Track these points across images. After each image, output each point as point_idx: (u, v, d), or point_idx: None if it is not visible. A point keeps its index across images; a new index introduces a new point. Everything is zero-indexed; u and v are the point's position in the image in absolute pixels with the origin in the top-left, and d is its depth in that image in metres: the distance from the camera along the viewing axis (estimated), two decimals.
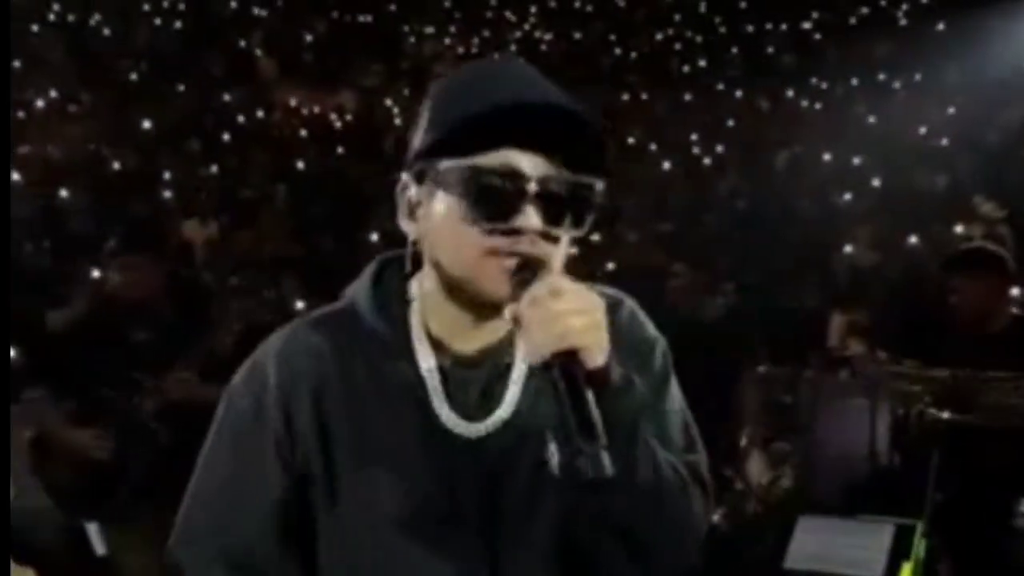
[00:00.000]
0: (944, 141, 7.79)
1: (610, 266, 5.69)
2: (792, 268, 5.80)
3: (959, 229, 5.77)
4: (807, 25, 11.10)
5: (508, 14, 11.38)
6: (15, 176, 6.40)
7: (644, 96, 9.73)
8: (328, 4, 11.13)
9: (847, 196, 7.06)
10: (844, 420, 3.83)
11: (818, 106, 9.26)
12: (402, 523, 1.02)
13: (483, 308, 1.02)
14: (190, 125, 8.23)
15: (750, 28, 10.99)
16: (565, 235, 1.01)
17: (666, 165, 8.11)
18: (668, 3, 11.54)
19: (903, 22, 10.79)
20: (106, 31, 9.75)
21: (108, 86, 8.68)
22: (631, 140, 8.73)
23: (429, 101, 1.05)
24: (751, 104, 9.31)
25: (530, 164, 0.99)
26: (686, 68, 10.45)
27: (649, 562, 1.03)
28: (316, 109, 9.29)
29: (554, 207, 0.99)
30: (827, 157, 7.91)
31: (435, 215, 1.00)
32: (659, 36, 11.06)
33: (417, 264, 1.07)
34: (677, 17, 11.38)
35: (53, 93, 8.19)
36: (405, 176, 1.04)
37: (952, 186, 6.91)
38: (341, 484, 1.03)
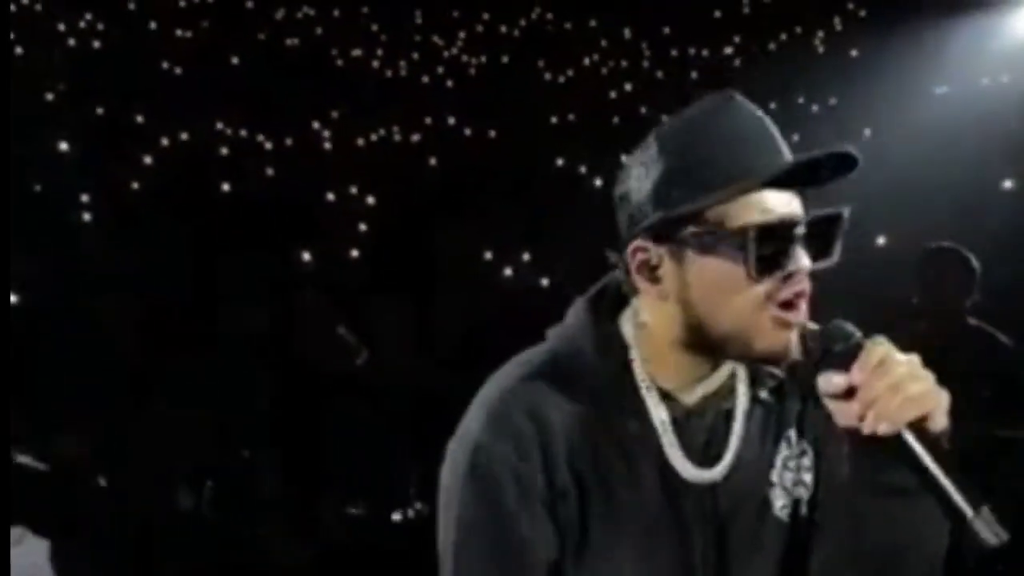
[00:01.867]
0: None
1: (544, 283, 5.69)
2: None
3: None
4: (729, 50, 11.41)
5: (436, 38, 11.41)
6: None
7: (572, 118, 9.84)
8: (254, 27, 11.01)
9: None
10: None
11: None
12: None
13: (722, 358, 1.05)
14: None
15: (674, 52, 11.25)
16: (820, 268, 1.03)
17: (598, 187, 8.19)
18: (595, 28, 11.72)
19: (820, 49, 11.22)
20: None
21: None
22: (559, 163, 8.80)
23: (663, 155, 1.04)
24: None
25: (788, 205, 1.01)
26: (613, 93, 10.61)
27: None
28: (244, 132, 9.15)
29: (815, 243, 1.01)
30: None
31: (703, 274, 1.00)
32: (586, 61, 11.22)
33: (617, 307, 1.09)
34: (604, 43, 11.57)
35: None
36: (640, 240, 1.03)
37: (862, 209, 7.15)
38: (590, 541, 1.03)
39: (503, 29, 11.72)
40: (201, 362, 4.22)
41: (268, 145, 9.11)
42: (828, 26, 11.15)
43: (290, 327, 3.83)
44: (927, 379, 0.92)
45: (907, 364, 0.92)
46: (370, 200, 7.72)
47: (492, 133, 9.57)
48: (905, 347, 0.94)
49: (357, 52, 10.94)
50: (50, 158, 7.62)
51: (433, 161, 8.84)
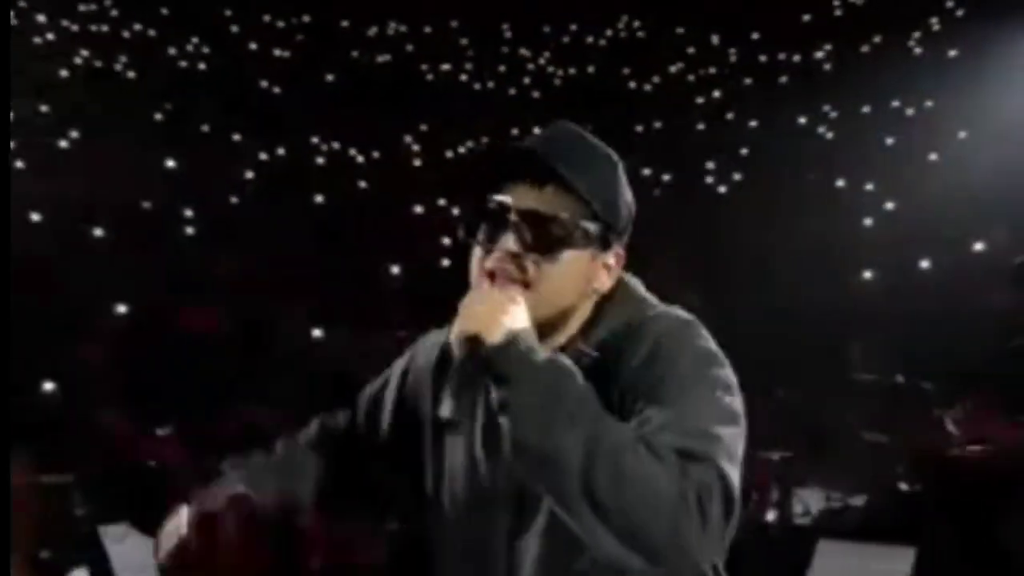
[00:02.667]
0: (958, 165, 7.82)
1: None
2: (813, 292, 5.85)
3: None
4: (819, 54, 11.19)
5: (523, 50, 11.56)
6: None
7: (657, 126, 9.83)
8: (347, 45, 11.37)
9: (866, 221, 7.15)
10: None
11: (831, 134, 9.33)
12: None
13: None
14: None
15: (763, 58, 11.10)
16: (532, 259, 1.24)
17: (679, 195, 8.18)
18: (682, 36, 11.67)
19: (916, 50, 10.88)
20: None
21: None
22: (646, 172, 8.81)
23: None
24: (765, 133, 9.38)
25: (515, 198, 1.25)
26: (700, 100, 10.55)
27: (634, 546, 1.09)
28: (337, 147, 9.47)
29: (526, 234, 1.24)
30: (840, 183, 7.97)
31: None
32: (673, 69, 11.18)
33: None
34: (691, 50, 11.51)
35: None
36: None
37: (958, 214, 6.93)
38: None
39: (590, 39, 11.79)
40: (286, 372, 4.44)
41: (360, 159, 9.41)
42: (925, 26, 10.82)
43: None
44: (487, 304, 1.19)
45: (477, 295, 1.22)
46: (457, 211, 7.90)
47: None
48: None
49: (446, 66, 11.18)
50: (158, 174, 8.07)
51: None
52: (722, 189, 8.56)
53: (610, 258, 1.31)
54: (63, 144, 8.14)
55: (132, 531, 4.09)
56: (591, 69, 11.10)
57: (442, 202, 8.21)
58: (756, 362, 5.05)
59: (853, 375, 5.12)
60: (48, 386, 4.44)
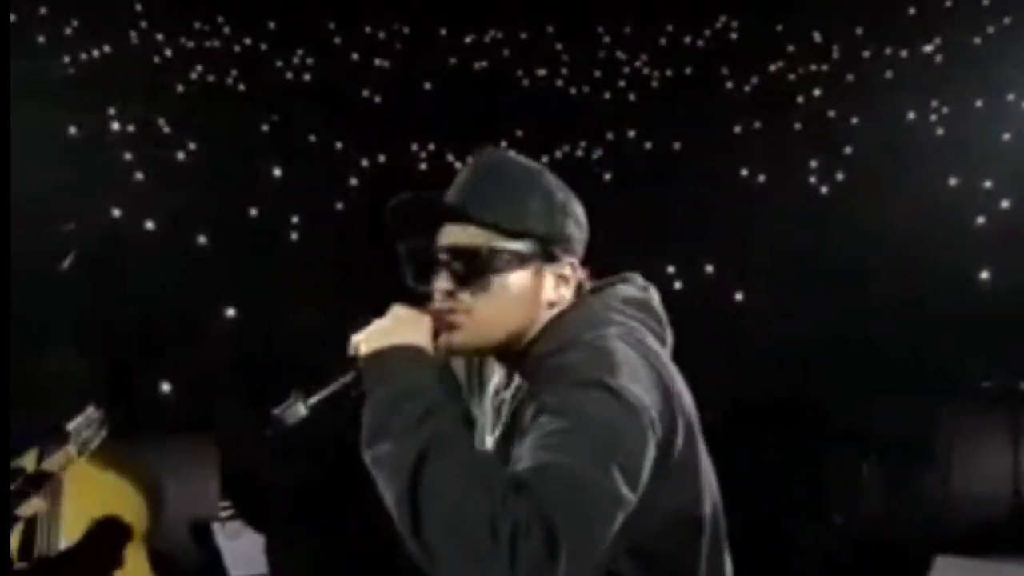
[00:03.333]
0: None
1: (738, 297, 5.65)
2: (926, 293, 5.66)
3: None
4: (928, 48, 10.78)
5: (619, 53, 11.53)
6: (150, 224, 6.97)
7: (756, 126, 9.65)
8: (445, 53, 11.57)
9: (979, 220, 6.87)
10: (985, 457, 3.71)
11: (941, 130, 8.97)
12: None
13: None
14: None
15: (866, 54, 10.76)
16: (468, 292, 1.30)
17: (779, 195, 8.02)
18: (782, 33, 11.42)
19: None
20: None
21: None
22: (743, 172, 8.67)
23: None
24: (868, 132, 9.10)
25: (447, 235, 1.33)
26: (800, 99, 10.30)
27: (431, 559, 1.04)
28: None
29: (456, 269, 1.31)
30: (953, 181, 7.66)
31: None
32: (772, 68, 10.96)
33: None
34: (791, 47, 11.26)
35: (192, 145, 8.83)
36: None
37: None
38: None
39: (687, 40, 11.66)
40: None
41: (457, 164, 9.57)
42: None
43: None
44: (381, 323, 1.26)
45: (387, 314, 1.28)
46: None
47: (676, 145, 9.56)
48: None
49: (542, 71, 11.25)
50: (265, 183, 8.40)
51: (608, 176, 8.96)
52: (824, 189, 8.34)
53: (564, 269, 1.34)
54: (180, 156, 8.56)
55: (245, 528, 4.30)
56: (688, 70, 10.98)
57: None
58: (869, 363, 4.97)
59: (971, 381, 4.93)
60: (165, 387, 4.69)
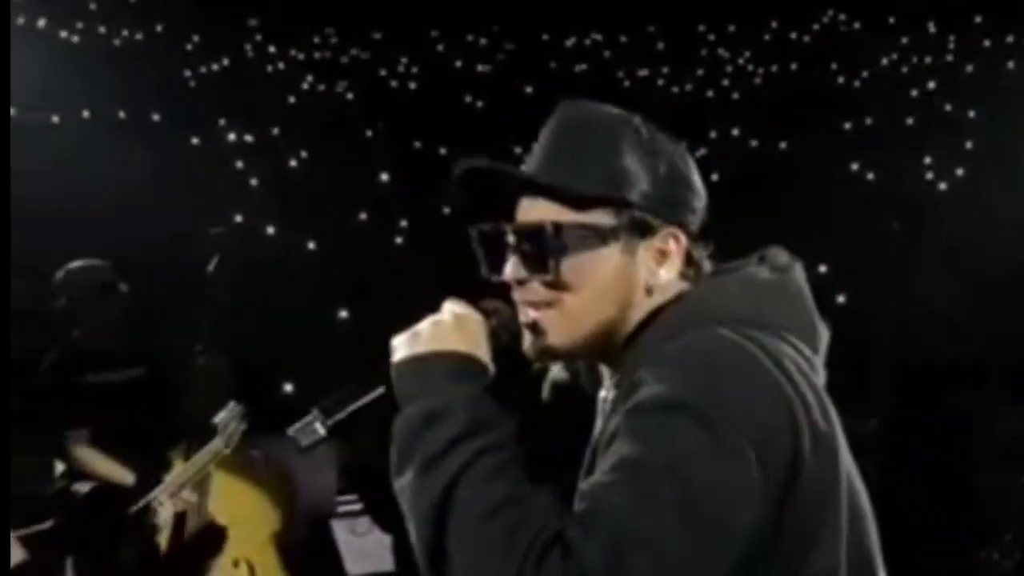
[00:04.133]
0: None
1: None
2: None
3: None
4: None
5: (721, 51, 11.36)
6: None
7: (868, 123, 9.36)
8: (547, 57, 11.64)
9: None
10: None
11: None
12: None
13: None
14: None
15: (987, 43, 10.29)
16: (543, 279, 1.08)
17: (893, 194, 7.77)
18: (894, 25, 11.04)
19: None
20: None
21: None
22: (854, 167, 8.44)
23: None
24: (989, 124, 8.71)
25: (523, 214, 1.11)
26: (914, 92, 9.94)
27: None
28: None
29: (527, 253, 1.09)
30: None
31: None
32: (884, 61, 10.61)
33: None
34: (904, 40, 10.87)
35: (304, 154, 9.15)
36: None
37: None
38: None
39: (793, 36, 11.40)
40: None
41: None
42: None
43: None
44: (405, 336, 1.07)
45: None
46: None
47: (782, 144, 9.36)
48: None
49: (643, 72, 11.19)
50: (373, 189, 8.65)
51: (716, 176, 8.83)
52: (942, 186, 8.03)
53: (667, 243, 1.08)
54: (292, 163, 8.89)
55: (374, 527, 4.44)
56: (794, 66, 10.73)
57: None
58: (999, 371, 4.79)
59: None
60: (288, 387, 4.90)
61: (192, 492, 3.07)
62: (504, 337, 1.13)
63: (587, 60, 11.76)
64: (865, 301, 6.54)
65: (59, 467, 3.00)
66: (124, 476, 3.36)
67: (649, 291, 1.08)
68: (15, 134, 6.80)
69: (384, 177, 8.85)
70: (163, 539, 3.07)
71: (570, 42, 11.64)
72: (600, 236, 1.05)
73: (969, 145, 8.50)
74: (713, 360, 0.97)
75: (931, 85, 9.86)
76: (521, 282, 1.10)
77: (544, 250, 1.06)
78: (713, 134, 9.76)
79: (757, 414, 0.93)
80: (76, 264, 3.72)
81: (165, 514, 3.08)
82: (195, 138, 8.62)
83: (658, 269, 1.08)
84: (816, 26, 11.41)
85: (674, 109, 10.44)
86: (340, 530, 4.54)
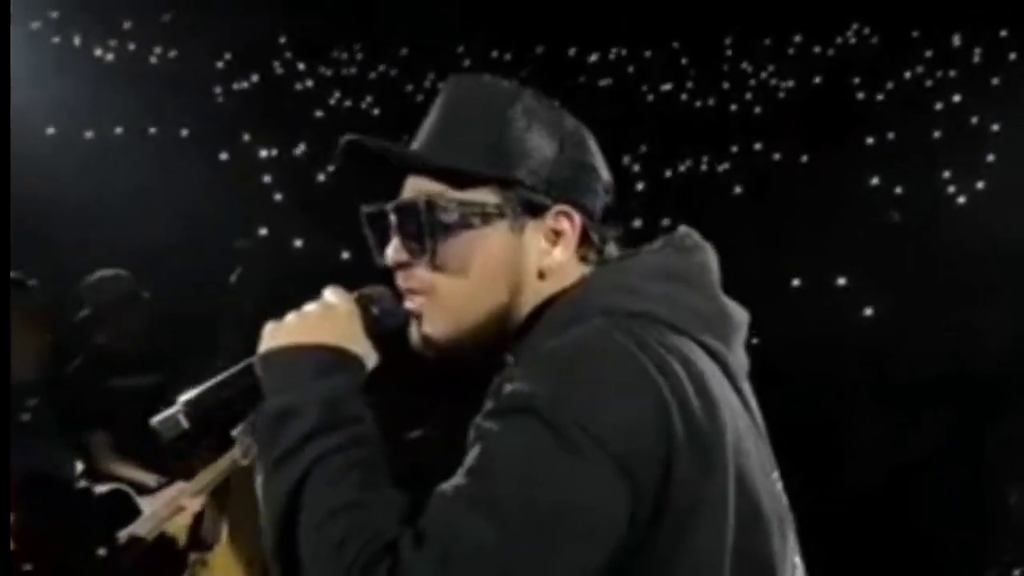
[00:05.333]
0: None
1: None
2: None
3: None
4: None
5: (744, 64, 11.40)
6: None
7: (890, 137, 9.35)
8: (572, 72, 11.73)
9: None
10: None
11: None
12: None
13: None
14: None
15: (1012, 56, 10.23)
16: (424, 261, 1.02)
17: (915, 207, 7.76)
18: (917, 39, 11.01)
19: None
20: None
21: None
22: (874, 182, 8.43)
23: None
24: (1014, 138, 8.66)
25: (405, 191, 1.04)
26: (939, 106, 9.91)
27: None
28: None
29: (407, 234, 1.03)
30: None
31: None
32: (908, 75, 10.58)
33: None
34: (928, 53, 10.84)
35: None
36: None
37: None
38: None
39: (816, 49, 11.41)
40: None
41: None
42: None
43: None
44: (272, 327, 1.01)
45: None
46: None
47: (804, 157, 9.37)
48: None
49: (667, 86, 11.25)
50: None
51: (739, 189, 8.87)
52: (962, 199, 8.00)
53: (559, 222, 0.99)
54: (320, 178, 9.05)
55: None
56: (817, 80, 10.75)
57: (666, 222, 8.31)
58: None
59: None
60: None
61: (208, 499, 3.17)
62: (389, 325, 1.07)
63: (611, 75, 11.85)
64: (891, 313, 6.54)
65: (79, 467, 3.11)
66: (145, 479, 3.47)
67: (542, 274, 0.99)
68: (53, 150, 7.06)
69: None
70: (178, 542, 3.17)
71: (594, 57, 11.74)
72: (482, 215, 0.98)
73: (991, 158, 8.47)
74: (579, 360, 0.89)
75: (956, 98, 9.82)
76: (402, 266, 1.04)
77: (420, 229, 1.00)
78: (735, 148, 9.80)
79: (616, 415, 0.86)
80: (102, 273, 3.87)
81: (181, 520, 3.18)
82: (224, 153, 8.81)
83: (552, 249, 0.99)
84: (839, 39, 11.41)
85: (698, 122, 10.49)
86: None
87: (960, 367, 5.48)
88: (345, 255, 7.41)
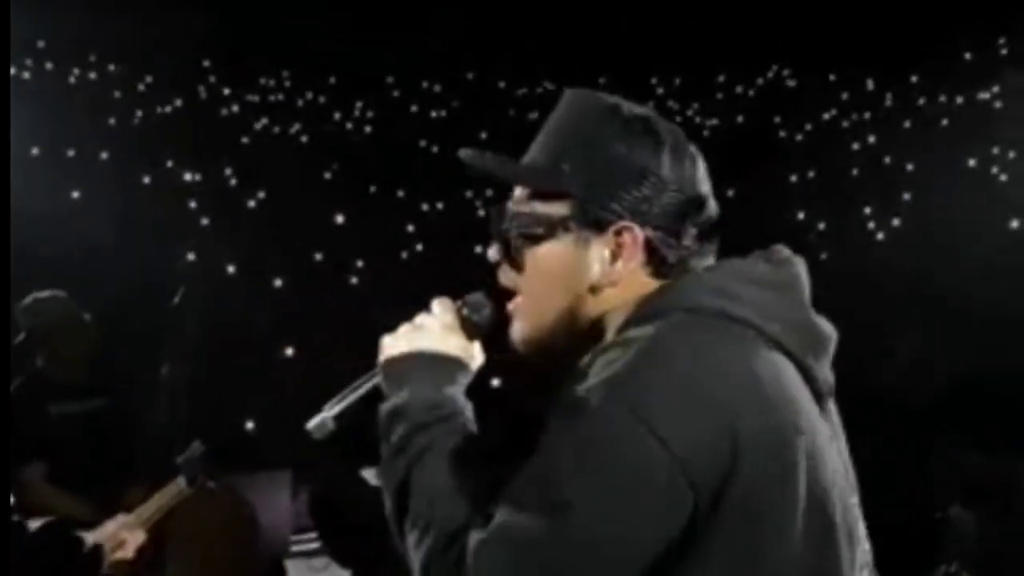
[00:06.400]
0: None
1: None
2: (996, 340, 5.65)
3: None
4: (985, 95, 10.76)
5: (670, 103, 11.69)
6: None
7: (811, 175, 9.69)
8: (501, 105, 11.85)
9: None
10: None
11: (1004, 176, 8.92)
12: None
13: None
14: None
15: (921, 101, 10.78)
16: (511, 265, 1.12)
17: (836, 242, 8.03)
18: (835, 82, 11.50)
19: None
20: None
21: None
22: (800, 216, 8.71)
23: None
24: (927, 177, 9.10)
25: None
26: (856, 146, 10.33)
27: None
28: None
29: (499, 237, 1.12)
30: (1015, 224, 7.61)
31: None
32: (825, 116, 11.02)
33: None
34: (844, 95, 11.33)
35: None
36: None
37: None
38: None
39: (739, 89, 11.79)
40: None
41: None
42: None
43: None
44: (390, 339, 1.12)
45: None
46: None
47: (729, 193, 9.63)
48: None
49: None
50: (326, 229, 8.64)
51: None
52: (880, 235, 8.33)
53: (621, 237, 1.02)
54: (250, 204, 8.86)
55: (331, 563, 4.37)
56: (740, 119, 11.09)
57: None
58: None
59: None
60: (249, 425, 4.84)
61: (151, 530, 3.00)
62: (485, 328, 1.18)
63: (539, 108, 11.99)
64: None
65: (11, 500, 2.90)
66: (81, 512, 3.27)
67: (605, 285, 1.04)
68: None
69: (340, 218, 8.85)
70: None
71: (523, 90, 11.86)
72: (550, 226, 1.04)
73: (907, 197, 8.85)
74: (651, 352, 0.91)
75: (871, 139, 10.26)
76: (497, 264, 1.13)
77: (506, 232, 1.10)
78: None
79: (681, 413, 0.88)
80: (37, 295, 3.66)
81: (122, 554, 3.00)
82: (146, 177, 8.54)
83: (614, 262, 1.03)
84: (761, 80, 11.82)
85: None
86: (296, 569, 4.47)
87: (879, 395, 5.65)
88: (278, 282, 7.25)
